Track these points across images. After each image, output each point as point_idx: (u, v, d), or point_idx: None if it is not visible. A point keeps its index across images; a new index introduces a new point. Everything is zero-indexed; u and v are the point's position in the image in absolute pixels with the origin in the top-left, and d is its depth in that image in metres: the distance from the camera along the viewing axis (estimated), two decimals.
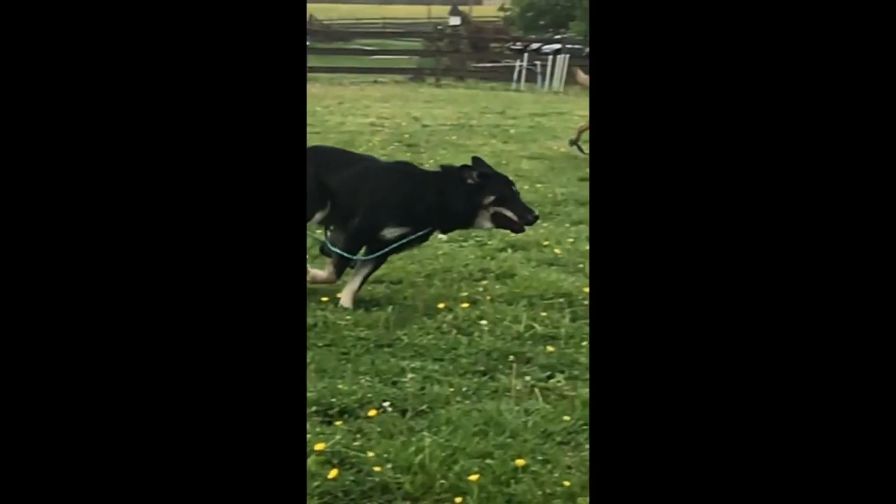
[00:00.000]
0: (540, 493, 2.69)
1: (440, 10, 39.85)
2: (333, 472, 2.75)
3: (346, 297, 4.53)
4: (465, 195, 4.48)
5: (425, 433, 3.03)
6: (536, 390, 3.44)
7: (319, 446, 2.89)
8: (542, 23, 36.64)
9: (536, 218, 4.59)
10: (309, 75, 13.75)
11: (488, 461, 2.84)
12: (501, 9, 39.07)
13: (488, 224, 4.55)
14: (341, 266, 4.65)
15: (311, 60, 19.51)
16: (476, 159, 4.66)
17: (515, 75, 23.66)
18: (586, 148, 8.77)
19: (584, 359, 3.71)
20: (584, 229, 6.21)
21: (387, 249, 4.57)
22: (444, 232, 4.89)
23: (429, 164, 8.12)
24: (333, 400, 3.30)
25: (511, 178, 4.79)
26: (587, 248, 5.47)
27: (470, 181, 4.48)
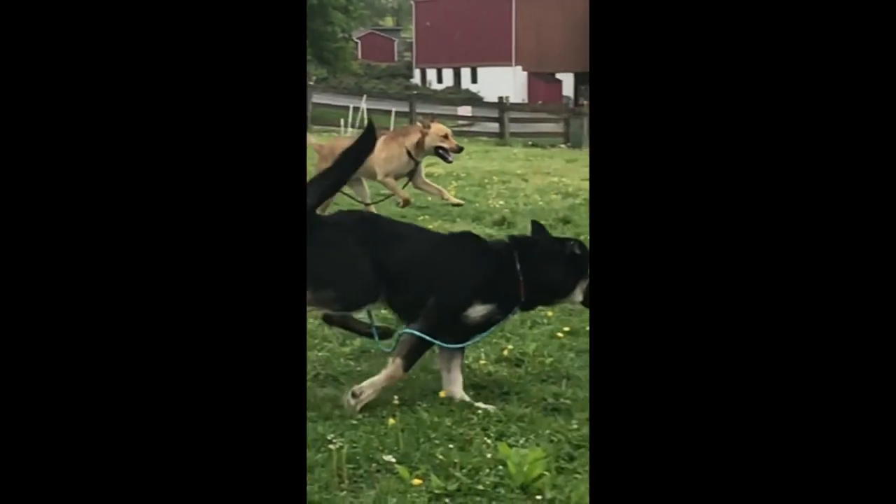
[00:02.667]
0: None
1: None
2: None
3: (457, 389, 3.83)
4: (566, 267, 3.95)
5: None
6: None
7: None
8: None
9: None
10: None
11: None
12: None
13: (580, 297, 4.02)
14: (414, 355, 3.75)
15: None
16: (536, 224, 4.19)
17: None
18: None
19: None
20: None
21: (484, 334, 3.94)
22: (525, 308, 4.13)
23: None
24: None
25: None
26: None
27: (570, 252, 3.96)
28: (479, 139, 22.05)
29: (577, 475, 3.08)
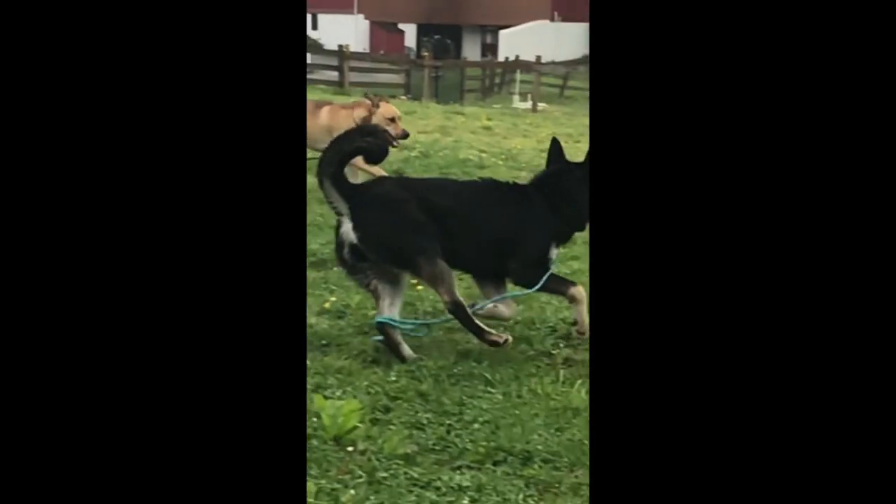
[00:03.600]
0: None
1: None
2: None
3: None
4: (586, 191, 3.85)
5: None
6: None
7: None
8: None
9: None
10: None
11: None
12: None
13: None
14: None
15: None
16: (555, 141, 4.19)
17: None
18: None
19: None
20: None
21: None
22: (563, 244, 4.26)
23: None
24: None
25: None
26: None
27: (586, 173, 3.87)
28: (317, 87, 21.66)
29: (391, 426, 3.11)
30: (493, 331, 3.79)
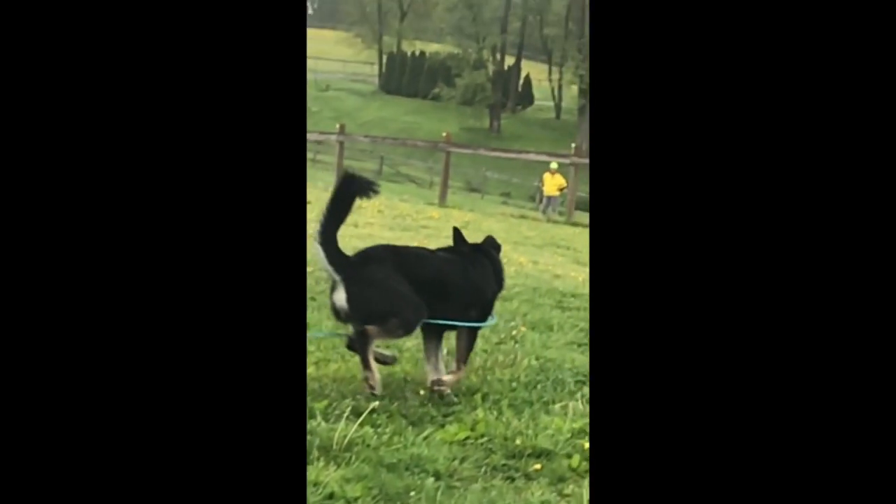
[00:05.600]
0: None
1: None
2: None
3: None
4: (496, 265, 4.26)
5: None
6: None
7: None
8: None
9: None
10: None
11: None
12: None
13: None
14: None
15: None
16: (457, 231, 4.33)
17: None
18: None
19: None
20: None
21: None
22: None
23: None
24: None
25: None
26: None
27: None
28: None
29: None
30: (373, 377, 3.75)
